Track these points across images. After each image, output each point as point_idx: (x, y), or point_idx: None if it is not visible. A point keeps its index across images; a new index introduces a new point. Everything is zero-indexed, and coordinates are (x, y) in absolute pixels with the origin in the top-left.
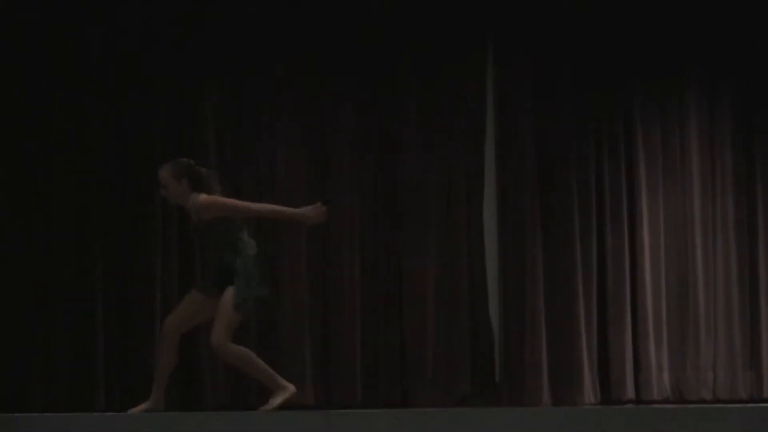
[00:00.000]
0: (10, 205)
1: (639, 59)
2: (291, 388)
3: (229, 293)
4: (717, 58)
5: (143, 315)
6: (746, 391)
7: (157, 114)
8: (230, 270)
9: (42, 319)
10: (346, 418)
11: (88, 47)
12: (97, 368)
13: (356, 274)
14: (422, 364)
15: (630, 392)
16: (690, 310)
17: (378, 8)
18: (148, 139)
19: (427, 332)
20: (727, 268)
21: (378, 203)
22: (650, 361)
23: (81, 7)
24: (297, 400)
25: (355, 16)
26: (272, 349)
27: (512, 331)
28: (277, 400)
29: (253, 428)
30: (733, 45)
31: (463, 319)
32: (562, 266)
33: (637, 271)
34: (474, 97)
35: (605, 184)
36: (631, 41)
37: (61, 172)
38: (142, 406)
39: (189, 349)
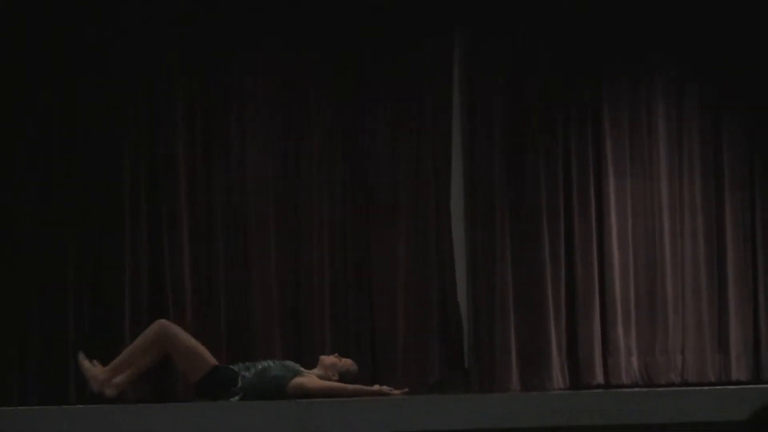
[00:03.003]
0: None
1: (605, 45)
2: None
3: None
4: (684, 43)
5: (114, 304)
6: (715, 374)
7: (123, 110)
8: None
9: (12, 313)
10: (318, 408)
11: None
12: (68, 361)
13: (325, 264)
14: (392, 353)
15: (599, 376)
16: (658, 294)
17: None
18: (117, 135)
19: (397, 321)
20: (695, 252)
21: (347, 192)
22: (619, 346)
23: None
24: None
25: (323, 3)
26: (242, 342)
27: (481, 317)
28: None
29: (223, 418)
30: (700, 30)
31: (433, 307)
32: (530, 252)
33: (605, 256)
34: (441, 87)
35: (573, 170)
36: (598, 26)
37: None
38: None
39: None
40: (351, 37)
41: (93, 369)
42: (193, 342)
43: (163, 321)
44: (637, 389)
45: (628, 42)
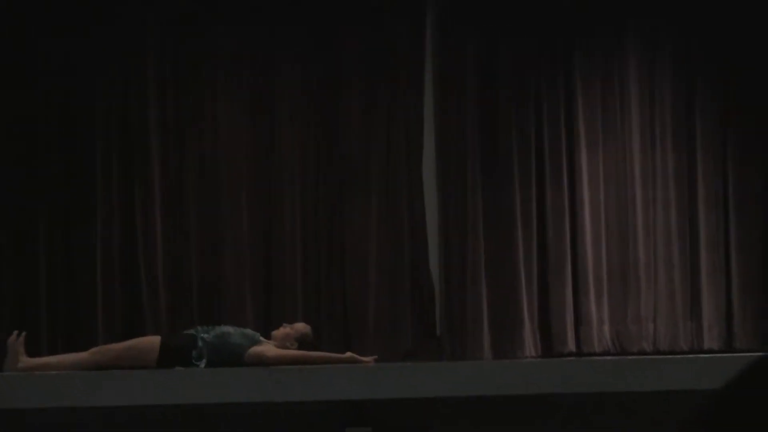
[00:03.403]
0: None
1: (578, 17)
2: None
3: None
4: (656, 12)
5: (85, 280)
6: (686, 343)
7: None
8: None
9: None
10: (290, 375)
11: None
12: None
13: (297, 234)
14: (364, 321)
15: (571, 345)
16: (630, 263)
17: None
18: (90, 109)
19: (369, 288)
20: (666, 220)
21: (320, 163)
22: (591, 314)
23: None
24: None
25: None
26: (214, 307)
27: (453, 286)
28: None
29: (190, 386)
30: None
31: (405, 276)
32: (503, 221)
33: (578, 225)
34: (413, 58)
35: (545, 140)
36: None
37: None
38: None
39: None
40: (326, 11)
41: (20, 353)
42: (126, 343)
43: (99, 347)
44: (608, 358)
45: (601, 14)
